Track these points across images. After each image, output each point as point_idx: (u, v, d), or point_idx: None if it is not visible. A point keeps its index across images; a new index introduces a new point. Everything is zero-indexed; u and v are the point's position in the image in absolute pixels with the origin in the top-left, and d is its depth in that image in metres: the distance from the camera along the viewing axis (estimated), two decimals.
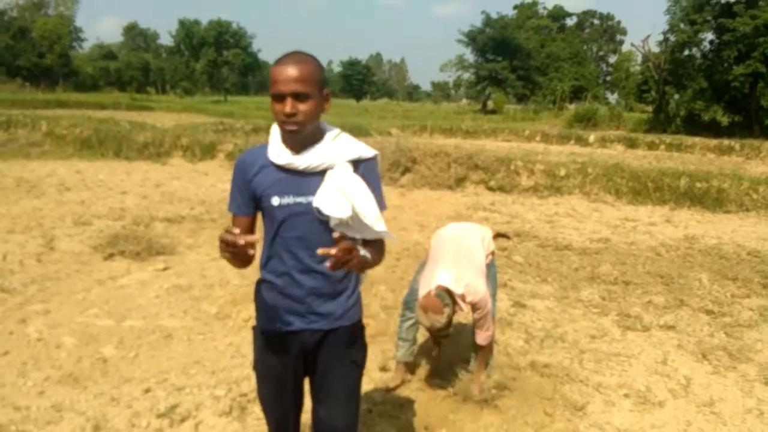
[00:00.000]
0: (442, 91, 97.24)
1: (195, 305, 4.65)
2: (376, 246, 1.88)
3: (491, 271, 3.47)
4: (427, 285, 3.08)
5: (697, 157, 19.19)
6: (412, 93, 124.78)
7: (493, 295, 3.44)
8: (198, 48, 60.74)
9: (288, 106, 1.69)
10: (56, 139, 14.52)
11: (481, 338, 3.21)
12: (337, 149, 1.81)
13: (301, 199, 1.79)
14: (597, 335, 4.43)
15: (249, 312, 4.49)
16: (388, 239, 1.90)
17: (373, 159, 1.88)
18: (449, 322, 2.95)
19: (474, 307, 3.10)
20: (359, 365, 2.02)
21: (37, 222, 6.96)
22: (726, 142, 21.02)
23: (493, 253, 3.50)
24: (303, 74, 1.69)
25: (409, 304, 3.47)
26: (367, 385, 3.46)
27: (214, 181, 10.78)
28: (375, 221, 1.80)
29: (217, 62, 60.00)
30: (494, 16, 52.15)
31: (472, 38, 52.27)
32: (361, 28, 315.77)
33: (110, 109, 31.10)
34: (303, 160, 1.78)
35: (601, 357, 4.03)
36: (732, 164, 16.18)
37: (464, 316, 3.52)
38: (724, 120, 32.25)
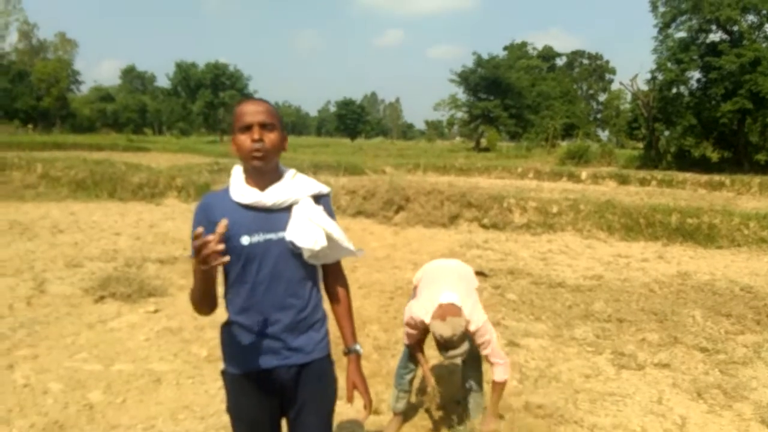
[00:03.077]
0: (435, 130, 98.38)
1: (185, 348, 4.60)
2: (338, 278, 2.05)
3: None
4: (428, 308, 3.01)
5: (689, 192, 19.36)
6: (407, 132, 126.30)
7: None
8: (195, 90, 61.61)
9: (256, 133, 1.80)
10: (51, 181, 14.56)
11: (498, 373, 3.12)
12: (298, 186, 1.92)
13: (272, 236, 1.85)
14: (591, 374, 4.39)
15: None
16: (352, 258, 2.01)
17: (329, 195, 2.02)
18: (465, 332, 2.88)
19: (476, 335, 3.05)
20: (332, 399, 2.05)
21: (28, 265, 6.92)
22: (716, 177, 21.24)
23: (477, 290, 3.50)
24: (268, 109, 1.86)
25: (411, 357, 3.40)
26: (357, 429, 3.40)
27: None
28: (345, 241, 1.94)
29: (213, 104, 60.78)
30: (485, 56, 53.19)
31: (465, 78, 53.20)
32: (357, 69, 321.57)
33: (107, 150, 31.26)
34: (270, 197, 1.86)
35: (596, 397, 3.99)
36: (723, 200, 16.32)
37: None
38: (714, 156, 32.64)
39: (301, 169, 2.06)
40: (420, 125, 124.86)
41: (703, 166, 29.12)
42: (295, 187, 1.90)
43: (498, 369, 3.11)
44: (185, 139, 57.02)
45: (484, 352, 3.09)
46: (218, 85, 61.47)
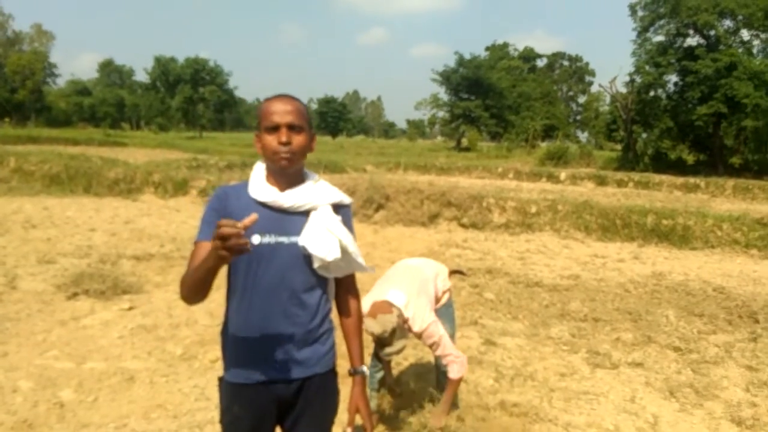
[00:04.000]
0: (417, 129, 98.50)
1: (160, 346, 4.54)
2: (350, 291, 1.97)
3: (448, 310, 3.43)
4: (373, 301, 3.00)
5: (665, 194, 19.65)
6: (388, 130, 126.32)
7: (452, 336, 3.39)
8: (174, 85, 60.85)
9: (284, 135, 1.72)
10: (24, 175, 14.26)
11: (453, 371, 3.05)
12: (320, 191, 1.84)
13: (283, 239, 1.77)
14: (566, 373, 4.43)
15: (216, 353, 4.39)
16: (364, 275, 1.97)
17: (349, 206, 1.94)
18: (400, 326, 2.85)
19: (423, 337, 3.03)
20: (332, 412, 1.97)
21: None
22: (692, 180, 21.60)
23: (450, 291, 3.47)
24: (297, 108, 1.77)
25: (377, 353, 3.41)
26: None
27: (186, 217, 10.67)
28: (359, 256, 1.87)
29: (192, 99, 60.08)
30: (467, 56, 53.40)
31: (447, 78, 53.36)
32: (339, 67, 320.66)
33: (83, 144, 30.73)
34: (288, 199, 1.78)
35: (571, 395, 4.03)
36: (698, 201, 16.60)
37: (428, 352, 3.49)
38: (690, 158, 33.26)
39: None
40: (401, 124, 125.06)
41: (679, 168, 29.65)
42: (316, 192, 1.83)
43: (452, 367, 3.05)
44: (164, 134, 56.30)
45: (436, 353, 3.06)
46: (198, 80, 60.74)
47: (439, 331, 3.03)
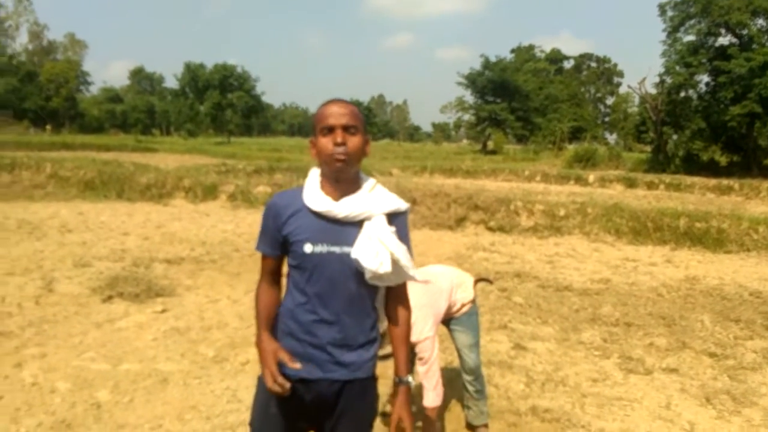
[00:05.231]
0: (442, 132, 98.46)
1: (192, 348, 4.61)
2: (401, 300, 1.95)
3: (471, 319, 3.36)
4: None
5: (697, 197, 19.26)
6: (413, 134, 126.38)
7: (476, 344, 3.36)
8: (203, 91, 61.70)
9: (339, 137, 1.72)
10: (60, 181, 14.65)
11: (428, 399, 2.96)
12: (375, 200, 1.82)
13: (335, 249, 1.77)
14: (599, 378, 4.36)
15: (247, 355, 4.45)
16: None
17: (406, 212, 1.91)
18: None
19: (416, 347, 2.95)
20: (373, 414, 1.97)
21: (37, 264, 6.96)
22: (725, 181, 21.12)
23: (473, 301, 3.38)
24: (352, 111, 1.78)
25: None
26: None
27: (215, 221, 10.82)
28: (410, 269, 1.84)
29: (221, 105, 60.87)
30: (493, 59, 53.12)
31: (472, 81, 53.16)
32: (364, 71, 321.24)
33: (115, 150, 31.41)
34: (343, 208, 1.76)
35: (603, 401, 3.97)
36: (731, 204, 16.22)
37: (455, 357, 3.47)
38: (723, 160, 32.53)
39: (307, 171, 1.97)
40: (427, 127, 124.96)
41: (711, 170, 29.04)
42: (371, 201, 1.80)
43: (427, 394, 2.98)
44: (193, 140, 57.15)
45: (419, 368, 3.00)
46: (226, 86, 61.53)
47: (433, 349, 2.95)
